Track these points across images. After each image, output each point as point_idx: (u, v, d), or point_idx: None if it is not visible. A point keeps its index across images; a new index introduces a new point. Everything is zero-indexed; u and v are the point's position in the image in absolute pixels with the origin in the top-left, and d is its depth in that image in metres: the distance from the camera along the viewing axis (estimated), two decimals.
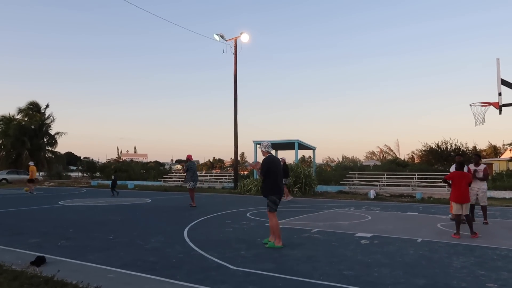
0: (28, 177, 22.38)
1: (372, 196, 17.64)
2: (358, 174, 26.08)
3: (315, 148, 27.36)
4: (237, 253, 6.06)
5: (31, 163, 23.08)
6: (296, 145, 24.17)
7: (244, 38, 24.73)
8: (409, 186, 22.76)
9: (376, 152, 52.26)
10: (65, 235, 7.52)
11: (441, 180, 19.91)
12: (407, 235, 7.77)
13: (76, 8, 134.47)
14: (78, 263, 5.31)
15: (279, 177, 6.83)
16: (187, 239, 7.16)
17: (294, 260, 5.59)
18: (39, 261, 5.12)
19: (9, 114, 40.23)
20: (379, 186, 23.27)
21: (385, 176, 24.71)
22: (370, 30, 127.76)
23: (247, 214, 11.17)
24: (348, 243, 6.97)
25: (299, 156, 28.70)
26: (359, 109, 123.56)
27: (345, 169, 32.09)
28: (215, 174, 36.26)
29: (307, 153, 43.05)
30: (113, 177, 21.72)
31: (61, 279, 4.29)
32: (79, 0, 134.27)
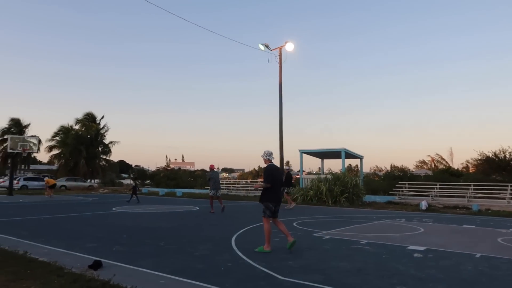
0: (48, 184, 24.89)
1: (424, 207, 16.90)
2: (408, 184, 25.07)
3: (363, 157, 26.75)
4: (284, 263, 6.02)
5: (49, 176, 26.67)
6: (343, 154, 23.75)
7: (289, 47, 24.79)
8: (464, 197, 21.53)
9: (427, 161, 50.04)
10: (119, 241, 7.85)
11: (499, 192, 18.68)
12: (464, 250, 7.35)
13: (127, 18, 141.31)
14: (131, 268, 5.52)
15: (278, 186, 7.21)
16: (234, 247, 7.23)
17: (343, 272, 5.46)
18: (96, 265, 5.38)
19: (68, 125, 42.94)
20: (431, 196, 22.21)
21: (438, 186, 23.54)
22: (419, 39, 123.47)
23: (294, 224, 11.09)
24: (400, 256, 6.70)
25: (346, 165, 28.13)
26: (408, 117, 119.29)
27: (394, 178, 30.94)
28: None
29: (354, 162, 42.17)
30: (133, 183, 22.96)
31: (117, 283, 4.47)
32: (128, 10, 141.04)
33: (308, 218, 12.93)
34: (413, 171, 44.53)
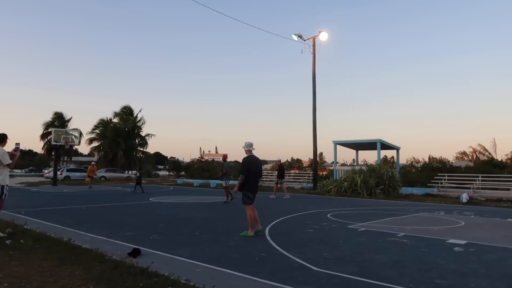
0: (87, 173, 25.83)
1: (464, 200, 16.28)
2: (448, 175, 24.19)
3: (399, 148, 26.06)
4: (319, 254, 5.98)
5: (93, 162, 26.56)
6: (379, 145, 23.22)
7: (323, 36, 24.38)
8: (508, 189, 20.52)
9: (468, 152, 48.04)
10: (156, 230, 8.07)
11: None
12: (508, 244, 7.02)
13: (162, 9, 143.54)
14: (168, 256, 5.67)
15: (256, 176, 7.71)
16: (268, 238, 7.26)
17: (380, 265, 5.36)
18: (135, 253, 5.56)
19: (107, 118, 44.38)
20: (473, 189, 21.34)
21: (480, 178, 22.58)
22: (458, 27, 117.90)
23: (328, 215, 10.98)
24: (439, 249, 6.49)
25: (381, 157, 27.49)
26: (448, 107, 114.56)
27: (432, 170, 29.96)
28: (293, 174, 36.26)
29: (390, 154, 41.14)
30: (138, 174, 23.40)
31: (155, 271, 4.61)
32: (162, 1, 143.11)
33: (343, 210, 12.77)
34: (452, 163, 42.93)
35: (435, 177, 24.22)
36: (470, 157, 46.96)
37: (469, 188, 21.55)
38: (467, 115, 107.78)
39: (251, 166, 7.61)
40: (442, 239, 7.42)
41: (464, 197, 16.55)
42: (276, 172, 19.80)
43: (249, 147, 7.85)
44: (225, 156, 15.90)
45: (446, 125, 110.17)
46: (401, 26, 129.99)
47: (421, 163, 40.65)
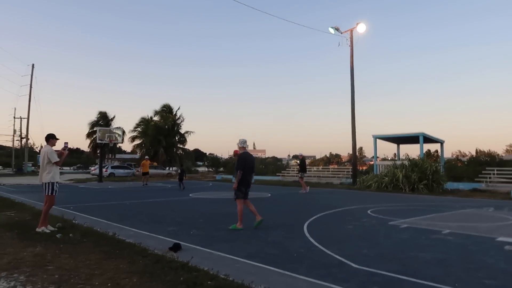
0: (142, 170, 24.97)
1: None
2: (497, 170, 22.93)
3: (443, 141, 25.05)
4: (359, 251, 5.87)
5: (146, 157, 25.83)
6: (421, 139, 22.41)
7: (361, 28, 23.81)
8: None
9: None
10: (196, 225, 8.24)
11: None
12: None
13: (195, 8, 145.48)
14: (207, 251, 5.77)
15: (249, 172, 8.03)
16: (307, 234, 7.20)
17: (423, 263, 5.17)
18: (176, 248, 5.71)
19: (148, 116, 45.77)
20: None
21: None
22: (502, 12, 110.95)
23: (368, 211, 10.74)
24: (488, 248, 6.18)
25: (424, 150, 26.51)
26: (497, 97, 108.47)
27: (480, 164, 28.51)
28: (332, 170, 35.79)
29: (433, 147, 39.60)
30: (179, 170, 22.24)
31: (195, 265, 4.70)
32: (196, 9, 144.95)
33: (383, 205, 12.45)
34: (502, 156, 40.69)
35: (483, 172, 23.06)
36: None
37: None
38: None
39: (246, 162, 7.96)
40: (491, 237, 7.05)
41: None
42: (298, 166, 19.71)
43: (243, 144, 8.20)
44: (236, 152, 15.66)
45: (495, 116, 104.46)
46: (448, 8, 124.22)
47: (468, 157, 38.81)
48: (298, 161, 20.12)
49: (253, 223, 7.96)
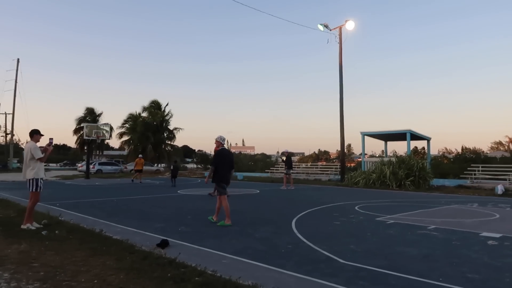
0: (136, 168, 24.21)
1: (500, 192, 15.71)
2: (482, 166, 23.34)
3: (430, 138, 25.37)
4: (346, 246, 5.92)
5: (140, 156, 25.25)
6: (408, 136, 22.68)
7: (350, 25, 23.93)
8: None
9: (504, 142, 46.27)
10: (184, 222, 8.21)
11: None
12: None
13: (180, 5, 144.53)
14: (195, 248, 5.76)
15: (228, 168, 8.08)
16: (295, 230, 7.24)
17: (409, 258, 5.24)
18: (164, 244, 5.68)
19: (136, 112, 45.32)
20: (509, 180, 20.51)
21: None
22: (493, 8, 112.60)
23: (356, 208, 10.85)
24: (472, 243, 6.29)
25: (411, 148, 26.82)
26: (483, 95, 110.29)
27: (465, 161, 28.95)
28: (321, 166, 35.96)
29: (420, 144, 40.05)
30: (172, 166, 21.91)
31: (182, 261, 4.69)
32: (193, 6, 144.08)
33: (371, 201, 12.58)
34: (487, 153, 41.36)
35: (468, 168, 23.43)
36: (506, 147, 45.17)
37: (505, 179, 20.72)
38: (505, 103, 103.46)
39: (223, 158, 8.03)
40: (475, 232, 7.19)
41: (500, 188, 15.97)
42: (284, 163, 19.70)
43: (221, 141, 8.30)
44: (216, 149, 15.23)
45: (481, 114, 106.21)
46: (431, 8, 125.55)
47: (454, 154, 39.36)
48: (284, 158, 20.05)
49: (213, 218, 8.19)
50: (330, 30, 24.34)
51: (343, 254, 5.41)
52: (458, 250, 5.74)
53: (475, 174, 22.47)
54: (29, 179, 7.03)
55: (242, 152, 67.80)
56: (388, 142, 28.84)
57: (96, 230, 6.71)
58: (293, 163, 21.44)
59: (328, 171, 31.36)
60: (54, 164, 69.65)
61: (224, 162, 8.00)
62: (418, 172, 19.03)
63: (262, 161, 45.13)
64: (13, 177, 26.45)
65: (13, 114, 48.21)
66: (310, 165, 38.06)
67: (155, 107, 45.36)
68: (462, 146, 36.04)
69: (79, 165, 42.70)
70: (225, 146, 8.42)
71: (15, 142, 52.61)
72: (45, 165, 7.44)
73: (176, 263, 4.65)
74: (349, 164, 35.03)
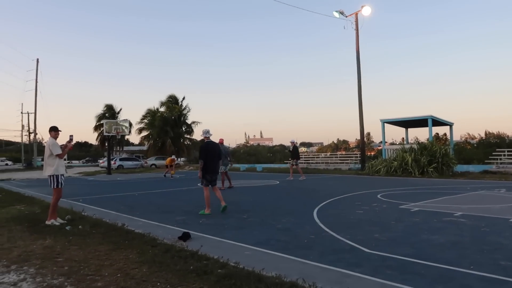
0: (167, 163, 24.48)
1: None
2: (508, 151, 22.61)
3: (452, 123, 24.72)
4: (370, 235, 5.78)
5: (173, 156, 25.07)
6: (430, 122, 22.14)
7: (366, 11, 23.39)
8: None
9: None
10: (205, 214, 8.19)
11: None
12: None
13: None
14: (217, 240, 5.72)
15: (213, 160, 8.36)
16: (317, 220, 7.13)
17: (436, 246, 5.07)
18: (185, 237, 5.66)
19: (154, 108, 45.74)
20: None
21: None
22: None
23: (378, 196, 10.64)
24: (502, 229, 6.05)
25: (433, 134, 26.19)
26: (505, 79, 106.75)
27: (489, 146, 28.15)
28: (340, 156, 35.61)
29: (442, 131, 39.09)
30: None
31: (204, 254, 4.66)
32: None
33: (393, 190, 12.33)
34: None
35: (493, 153, 22.76)
36: None
37: None
38: None
39: (208, 151, 8.31)
40: (505, 218, 6.93)
41: None
42: (291, 154, 19.36)
43: (206, 134, 8.61)
44: (220, 141, 15.00)
45: (504, 97, 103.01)
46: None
47: (477, 140, 38.28)
48: (290, 149, 19.72)
49: (220, 208, 8.41)
50: (346, 16, 23.86)
51: (367, 243, 5.28)
52: (488, 237, 5.53)
53: (500, 159, 21.81)
54: (50, 176, 7.12)
55: (260, 144, 67.68)
56: (409, 129, 28.25)
57: (119, 224, 6.76)
58: (300, 153, 21.15)
59: (348, 160, 31.03)
60: (77, 161, 71.25)
61: (207, 155, 8.29)
62: (441, 158, 18.57)
63: (280, 152, 44.99)
64: (37, 175, 27.10)
65: (35, 113, 49.42)
66: (330, 154, 37.74)
67: (172, 102, 45.65)
68: (486, 131, 34.98)
69: (101, 161, 43.46)
70: (211, 138, 8.71)
71: (38, 141, 53.88)
72: (67, 162, 7.55)
73: (198, 255, 4.61)
74: (368, 153, 34.51)
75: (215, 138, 10.08)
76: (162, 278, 3.87)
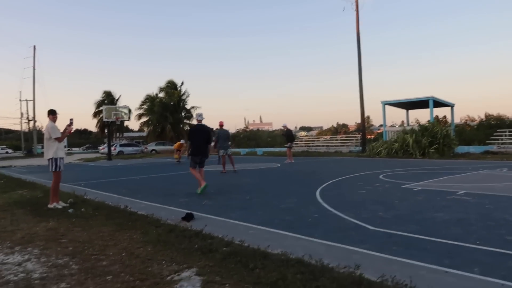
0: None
1: None
2: (509, 131, 22.54)
3: (454, 104, 24.59)
4: (374, 214, 5.75)
5: (182, 141, 24.82)
6: (431, 103, 22.01)
7: None
8: None
9: None
10: (207, 196, 8.17)
11: None
12: None
13: None
14: (221, 220, 5.70)
15: (201, 142, 8.56)
16: (320, 200, 7.10)
17: (442, 223, 5.05)
18: (189, 217, 5.64)
19: (153, 93, 45.48)
20: None
21: None
22: None
23: (380, 176, 10.62)
24: (507, 206, 6.03)
25: (434, 115, 26.07)
26: (505, 61, 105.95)
27: (490, 127, 28.06)
28: (340, 139, 35.54)
29: (442, 113, 38.93)
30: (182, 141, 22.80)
31: (208, 233, 4.63)
32: None
33: (395, 170, 12.31)
34: None
35: (494, 134, 22.71)
36: None
37: None
38: None
39: (196, 134, 8.58)
40: (509, 196, 6.91)
41: None
42: (286, 137, 19.18)
43: (198, 117, 8.93)
44: (221, 123, 14.71)
45: (504, 80, 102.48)
46: None
47: (477, 121, 38.15)
48: (284, 132, 19.56)
49: (197, 190, 8.47)
50: None
51: (372, 221, 5.25)
52: (493, 214, 5.50)
53: (502, 140, 21.77)
54: (49, 159, 7.07)
55: (259, 129, 67.56)
56: (409, 111, 28.12)
57: (121, 206, 6.74)
58: (300, 137, 21.03)
59: (348, 143, 30.98)
60: (77, 148, 71.22)
61: (195, 137, 8.56)
62: (442, 139, 18.53)
63: (280, 137, 44.90)
64: (38, 161, 27.08)
65: (33, 100, 49.16)
66: (330, 138, 37.69)
67: (171, 87, 45.37)
68: (486, 113, 34.72)
69: (101, 147, 43.41)
70: (203, 122, 8.96)
71: (38, 128, 53.72)
72: (67, 149, 7.45)
73: (203, 234, 4.59)
74: (368, 136, 34.40)
75: (215, 122, 10.14)
76: (167, 256, 3.85)
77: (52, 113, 7.20)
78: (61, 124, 7.32)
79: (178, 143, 23.77)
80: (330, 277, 3.07)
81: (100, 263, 3.73)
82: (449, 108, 25.33)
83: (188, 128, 46.12)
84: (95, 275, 3.40)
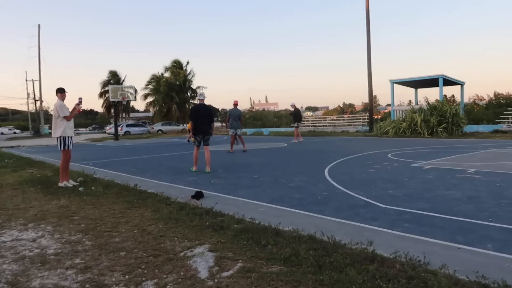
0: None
1: None
2: None
3: (464, 83, 24.20)
4: (384, 192, 5.74)
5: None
6: (441, 81, 21.68)
7: None
8: None
9: None
10: (216, 175, 8.20)
11: None
12: None
13: None
14: (230, 198, 5.72)
15: (203, 121, 8.70)
16: (329, 179, 7.09)
17: (453, 201, 5.02)
18: (198, 195, 5.66)
19: (158, 73, 45.28)
20: None
21: None
22: None
23: (389, 155, 10.56)
24: None
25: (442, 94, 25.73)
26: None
27: (499, 106, 27.69)
28: (347, 118, 35.34)
29: (451, 92, 38.39)
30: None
31: (219, 211, 4.65)
32: None
33: (403, 149, 12.23)
34: None
35: (504, 113, 22.42)
36: None
37: None
38: None
39: (197, 113, 8.67)
40: None
41: None
42: (293, 117, 18.86)
43: (200, 96, 9.20)
44: (235, 103, 14.27)
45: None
46: None
47: (486, 101, 37.59)
48: (291, 111, 19.22)
49: (205, 168, 8.72)
50: None
51: (382, 199, 5.24)
52: (505, 191, 5.46)
53: (511, 119, 21.50)
54: (57, 138, 7.08)
55: (265, 109, 67.29)
56: (418, 90, 27.78)
57: (131, 185, 6.77)
58: (307, 117, 20.82)
59: (355, 122, 30.83)
60: (83, 129, 71.59)
61: (197, 116, 8.65)
62: (451, 118, 18.33)
63: (287, 117, 44.72)
64: (46, 141, 27.29)
65: (39, 80, 49.08)
66: (337, 117, 37.50)
67: (177, 67, 45.13)
68: (495, 92, 34.15)
69: (108, 128, 43.57)
70: (205, 101, 9.13)
71: (45, 108, 53.93)
72: (74, 130, 7.43)
73: (213, 212, 4.61)
74: (375, 116, 34.14)
75: (228, 103, 10.12)
76: (179, 233, 3.87)
77: (60, 91, 7.17)
78: (69, 103, 7.32)
79: (191, 123, 23.66)
80: (343, 253, 3.07)
81: (113, 240, 3.77)
82: (458, 87, 24.99)
83: None
84: (108, 251, 3.44)
